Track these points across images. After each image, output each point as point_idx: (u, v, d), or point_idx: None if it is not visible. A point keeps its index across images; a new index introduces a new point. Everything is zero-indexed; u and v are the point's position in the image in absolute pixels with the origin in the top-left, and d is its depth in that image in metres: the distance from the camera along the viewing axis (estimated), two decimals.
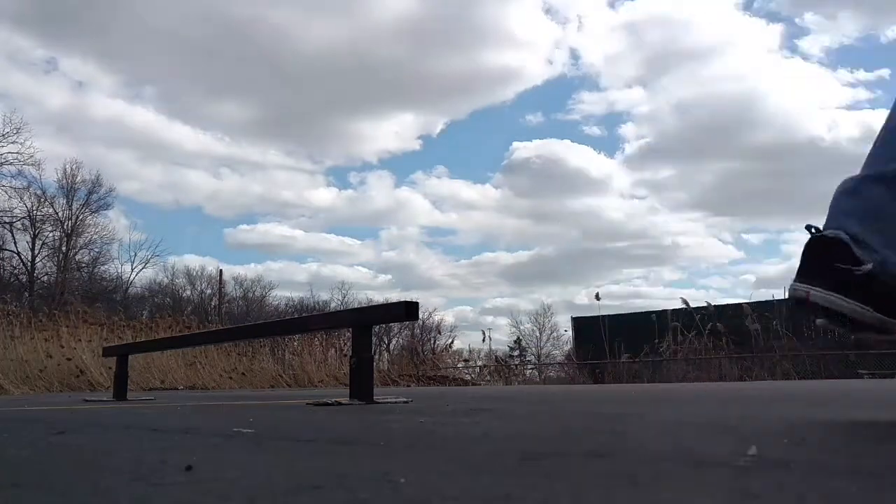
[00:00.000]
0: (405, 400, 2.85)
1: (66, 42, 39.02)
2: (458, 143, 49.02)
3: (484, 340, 24.09)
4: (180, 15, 36.73)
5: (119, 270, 31.93)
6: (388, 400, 2.78)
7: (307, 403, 2.80)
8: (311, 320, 5.85)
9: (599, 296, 16.16)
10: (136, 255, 31.92)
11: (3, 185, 26.73)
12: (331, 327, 5.79)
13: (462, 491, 0.71)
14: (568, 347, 21.37)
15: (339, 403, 2.56)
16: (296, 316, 13.16)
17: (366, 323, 2.81)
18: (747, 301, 14.99)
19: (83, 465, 1.03)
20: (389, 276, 47.57)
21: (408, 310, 2.64)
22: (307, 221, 50.20)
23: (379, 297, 31.79)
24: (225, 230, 49.29)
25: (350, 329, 2.91)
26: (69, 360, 8.87)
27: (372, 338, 2.83)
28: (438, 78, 41.68)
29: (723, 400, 2.91)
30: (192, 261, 48.25)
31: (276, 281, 43.49)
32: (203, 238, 49.85)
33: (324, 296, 37.98)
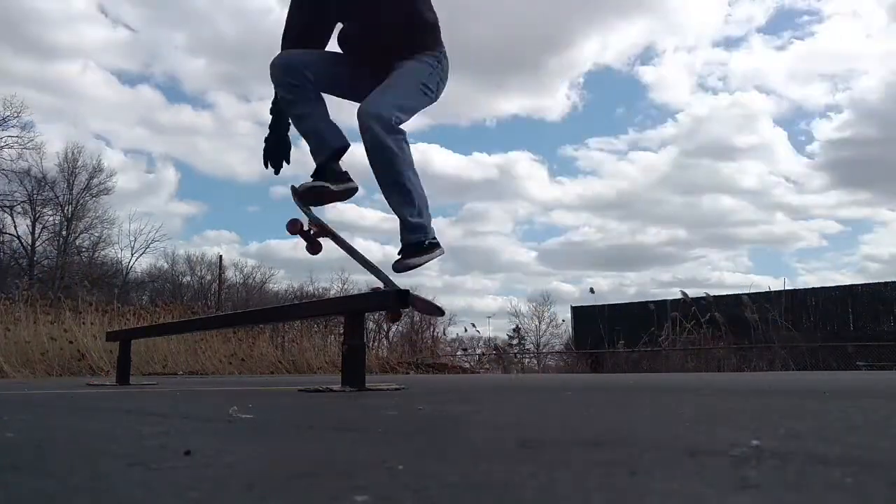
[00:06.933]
0: (397, 387, 2.85)
1: None
2: None
3: (465, 331, 24.32)
4: None
5: (119, 255, 31.96)
6: (381, 387, 2.78)
7: (298, 390, 2.80)
8: (303, 307, 5.85)
9: (593, 290, 16.18)
10: (135, 239, 31.93)
11: (4, 169, 26.72)
12: (322, 314, 5.78)
13: (461, 478, 0.71)
14: (567, 337, 21.41)
15: (331, 390, 2.56)
16: (294, 302, 13.17)
17: (356, 310, 2.79)
18: (746, 292, 15.03)
19: (83, 449, 1.03)
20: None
21: (399, 298, 2.62)
22: None
23: None
24: None
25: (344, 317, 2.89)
26: (71, 343, 8.89)
27: (364, 325, 2.81)
28: None
29: (721, 390, 2.92)
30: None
31: None
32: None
33: (324, 283, 38.03)
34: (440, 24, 2.99)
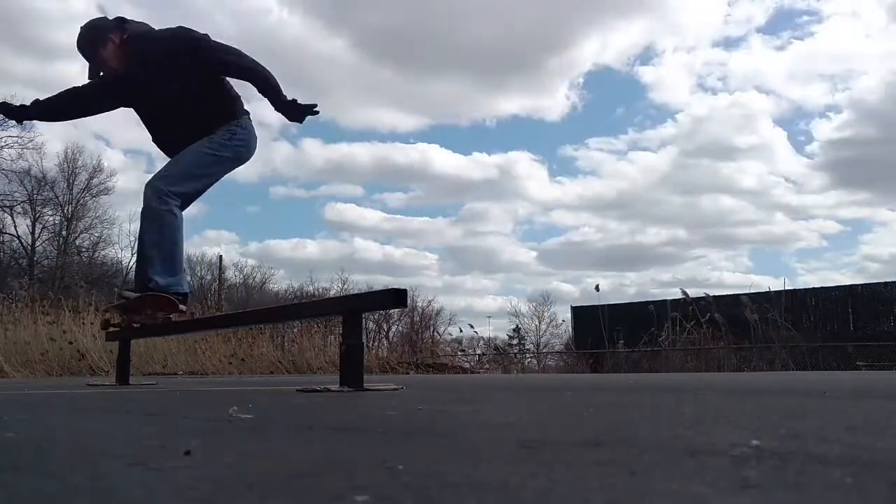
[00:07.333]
0: (395, 387, 2.85)
1: None
2: None
3: (461, 331, 24.42)
4: None
5: (119, 255, 31.95)
6: (379, 387, 2.78)
7: (296, 390, 2.80)
8: (303, 307, 5.86)
9: (598, 287, 16.15)
10: (135, 239, 31.89)
11: (3, 169, 26.72)
12: (320, 315, 5.80)
13: (461, 478, 0.71)
14: (567, 337, 21.40)
15: (329, 390, 2.56)
16: (294, 302, 13.17)
17: (354, 310, 2.80)
18: (746, 292, 15.03)
19: (83, 449, 1.03)
20: None
21: (396, 297, 2.63)
22: None
23: None
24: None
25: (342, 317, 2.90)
26: (71, 343, 8.88)
27: (362, 325, 2.82)
28: None
29: (721, 390, 2.92)
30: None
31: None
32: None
33: (324, 283, 38.05)
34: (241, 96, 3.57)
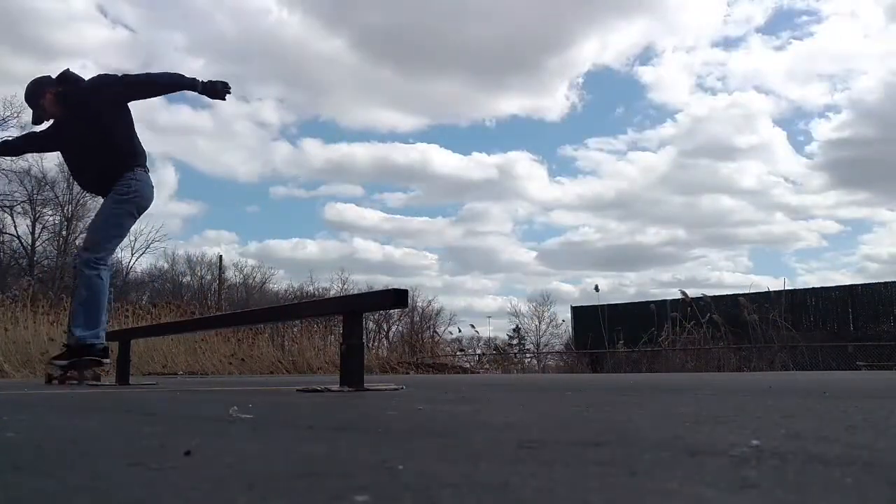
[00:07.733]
0: (395, 387, 2.85)
1: None
2: None
3: (460, 331, 24.45)
4: None
5: (119, 255, 31.94)
6: (379, 387, 2.78)
7: (297, 390, 2.80)
8: (303, 307, 5.88)
9: (598, 287, 16.15)
10: (135, 239, 31.93)
11: (4, 169, 26.72)
12: (320, 314, 5.81)
13: (461, 478, 0.71)
14: (567, 337, 21.39)
15: (329, 390, 2.56)
16: (294, 302, 13.16)
17: (354, 310, 2.80)
18: (746, 292, 15.03)
19: (83, 449, 1.03)
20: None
21: (396, 297, 2.63)
22: None
23: None
24: None
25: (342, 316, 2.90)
26: None
27: (362, 325, 2.83)
28: None
29: (721, 390, 2.92)
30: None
31: None
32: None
33: (324, 283, 38.06)
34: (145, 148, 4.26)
